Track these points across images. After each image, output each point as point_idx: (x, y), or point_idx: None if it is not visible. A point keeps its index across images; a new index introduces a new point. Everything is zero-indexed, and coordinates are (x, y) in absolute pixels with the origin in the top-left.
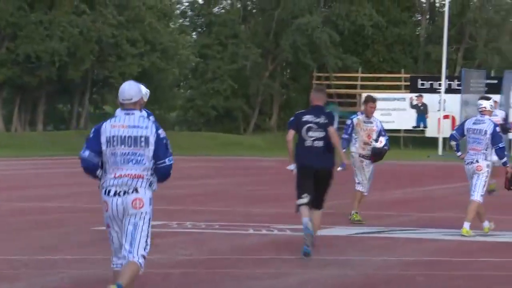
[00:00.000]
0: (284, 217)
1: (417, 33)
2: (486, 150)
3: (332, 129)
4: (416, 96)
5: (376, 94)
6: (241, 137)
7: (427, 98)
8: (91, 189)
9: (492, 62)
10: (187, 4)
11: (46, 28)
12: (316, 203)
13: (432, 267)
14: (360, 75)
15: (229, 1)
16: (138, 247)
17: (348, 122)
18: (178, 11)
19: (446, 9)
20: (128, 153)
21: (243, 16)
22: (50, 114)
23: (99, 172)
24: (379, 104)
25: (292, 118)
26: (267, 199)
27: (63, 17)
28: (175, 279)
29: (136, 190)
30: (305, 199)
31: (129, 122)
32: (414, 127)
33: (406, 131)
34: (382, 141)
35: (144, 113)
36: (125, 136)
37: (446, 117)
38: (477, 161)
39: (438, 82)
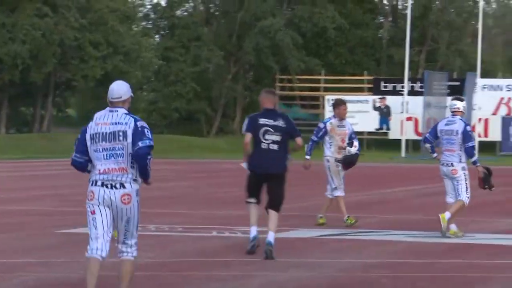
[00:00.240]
0: (247, 219)
1: (380, 35)
2: (460, 150)
3: (299, 140)
4: (379, 98)
5: (338, 96)
6: (204, 140)
7: (390, 100)
8: (53, 192)
9: (454, 64)
10: (150, 6)
11: (9, 31)
12: (273, 205)
13: (396, 269)
14: (323, 77)
15: (192, 4)
16: (131, 236)
17: (321, 125)
18: (141, 14)
19: (408, 11)
20: (109, 147)
21: (206, 19)
22: (13, 117)
23: (90, 167)
24: None
25: (247, 121)
26: (230, 201)
27: (25, 20)
28: (139, 281)
29: (123, 185)
30: (252, 201)
31: (112, 119)
32: (377, 129)
33: (369, 133)
34: (356, 145)
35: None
36: (106, 133)
37: (409, 119)
38: (452, 164)
39: (401, 84)
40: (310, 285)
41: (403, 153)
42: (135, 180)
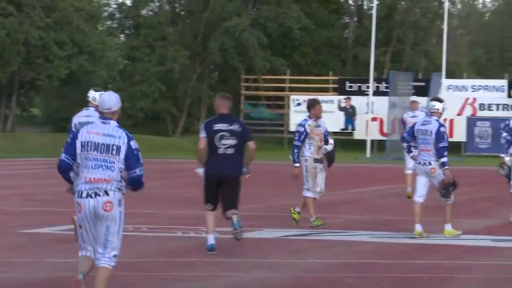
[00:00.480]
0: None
1: (345, 35)
2: (436, 150)
3: (252, 144)
4: (344, 99)
5: (304, 97)
6: (169, 140)
7: (355, 100)
8: (17, 192)
9: (420, 64)
10: (115, 6)
11: None
12: (230, 205)
13: (361, 269)
14: (288, 77)
15: (157, 3)
16: (111, 248)
17: (301, 129)
18: (106, 13)
19: (373, 11)
20: (100, 159)
21: (171, 19)
22: None
23: (72, 175)
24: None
25: (202, 127)
26: (195, 201)
27: None
28: None
29: (106, 193)
30: (209, 207)
31: (105, 131)
32: (343, 129)
33: (335, 133)
34: (331, 143)
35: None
36: (99, 143)
37: (374, 119)
38: (430, 163)
39: (366, 85)
40: (274, 285)
41: (368, 154)
42: (119, 189)
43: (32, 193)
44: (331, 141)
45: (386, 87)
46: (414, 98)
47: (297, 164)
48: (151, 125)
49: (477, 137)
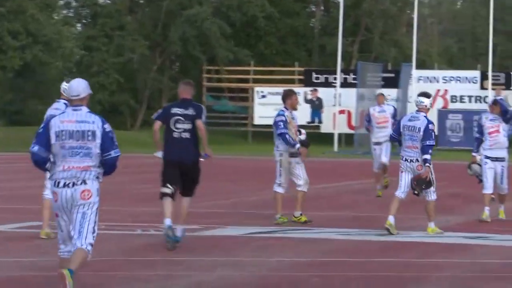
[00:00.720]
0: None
1: (311, 24)
2: None
3: (200, 122)
4: (311, 90)
5: (268, 89)
6: (128, 133)
7: (322, 92)
8: None
9: (389, 55)
10: None
11: None
12: (186, 192)
13: (328, 268)
14: (252, 68)
15: None
16: (86, 235)
17: (282, 118)
18: (61, 2)
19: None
20: (76, 146)
21: (130, 7)
22: None
23: (48, 165)
24: (272, 99)
25: (160, 110)
26: (155, 197)
27: None
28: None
29: (84, 181)
30: (168, 189)
31: (77, 118)
32: (309, 122)
33: (301, 126)
34: (304, 132)
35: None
36: (73, 131)
37: (341, 112)
38: (417, 160)
39: (333, 76)
40: (239, 285)
41: (335, 148)
42: (97, 178)
43: None
44: (303, 131)
45: (354, 79)
46: (380, 91)
47: (298, 145)
48: (109, 118)
49: (449, 130)
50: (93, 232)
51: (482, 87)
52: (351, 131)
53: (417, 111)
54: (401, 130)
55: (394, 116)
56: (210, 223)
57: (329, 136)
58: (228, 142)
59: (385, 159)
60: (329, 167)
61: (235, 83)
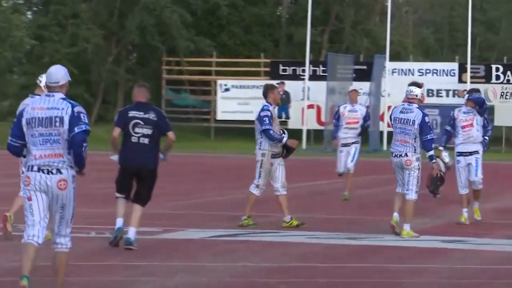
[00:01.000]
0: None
1: (278, 13)
2: (415, 141)
3: (172, 136)
4: (277, 84)
5: (232, 81)
6: None
7: (290, 85)
8: None
9: (361, 45)
10: None
11: None
12: (139, 199)
13: (296, 273)
14: (214, 59)
15: None
16: (66, 226)
17: (268, 113)
18: None
19: None
20: (45, 133)
21: None
22: None
23: (25, 151)
24: (236, 93)
25: (117, 115)
26: (110, 198)
27: None
28: None
29: (59, 171)
30: (121, 197)
31: (48, 104)
32: None
33: None
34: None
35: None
36: (42, 118)
37: (310, 106)
38: (406, 155)
39: (302, 68)
40: None
41: (304, 145)
42: (71, 167)
43: None
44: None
45: (324, 71)
46: (354, 86)
47: (285, 137)
48: None
49: None
50: (71, 221)
51: (461, 81)
52: (321, 127)
53: (408, 102)
54: (391, 122)
55: (365, 119)
56: (170, 225)
57: (297, 132)
58: (189, 139)
59: (351, 164)
60: (297, 165)
61: (196, 76)
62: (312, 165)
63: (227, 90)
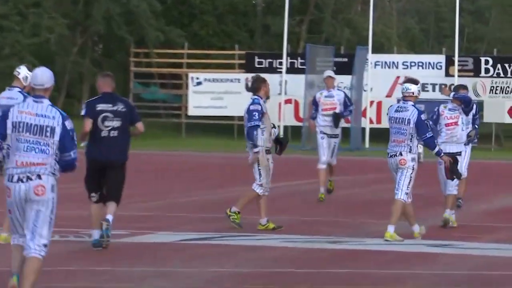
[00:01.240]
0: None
1: (254, 1)
2: (410, 141)
3: (141, 125)
4: (253, 77)
5: (204, 75)
6: None
7: (266, 79)
8: None
9: (342, 36)
10: None
11: None
12: (112, 195)
13: (272, 279)
14: (186, 51)
15: None
16: (39, 235)
17: (258, 108)
18: None
19: None
20: (33, 141)
21: None
22: None
23: (0, 155)
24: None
25: (84, 108)
26: (76, 199)
27: None
28: None
29: (39, 176)
30: (94, 198)
31: (37, 110)
32: None
33: (241, 118)
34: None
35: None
36: (31, 124)
37: (288, 101)
38: (400, 154)
39: (279, 60)
40: None
41: None
42: (53, 174)
43: None
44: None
45: (302, 63)
46: (329, 72)
47: (258, 149)
48: None
49: None
50: (49, 232)
51: (448, 74)
52: (299, 124)
53: (404, 100)
54: (387, 122)
55: (345, 104)
56: (139, 228)
57: None
58: (158, 136)
59: (331, 159)
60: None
61: (166, 68)
62: (289, 164)
63: (199, 83)
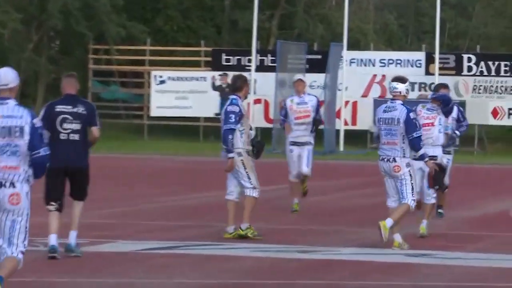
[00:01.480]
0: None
1: None
2: (403, 143)
3: (96, 130)
4: (220, 75)
5: (168, 73)
6: None
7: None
8: None
9: (315, 32)
10: None
11: None
12: (77, 195)
13: None
14: (148, 48)
15: None
16: (16, 244)
17: (237, 109)
18: None
19: None
20: (3, 144)
21: None
22: None
23: None
24: (172, 85)
25: (43, 110)
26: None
27: None
28: None
29: (13, 184)
30: (52, 206)
31: (3, 112)
32: (217, 114)
33: (207, 119)
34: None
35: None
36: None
37: (257, 101)
38: (394, 160)
39: (248, 58)
40: None
41: None
42: (27, 181)
43: None
44: (253, 127)
45: (273, 61)
46: (299, 76)
47: (232, 154)
48: None
49: None
50: (24, 240)
51: (428, 72)
52: (269, 125)
53: (392, 99)
54: (376, 123)
55: (317, 110)
56: (98, 236)
57: None
58: (118, 138)
59: (305, 168)
60: None
61: (127, 66)
62: (258, 168)
63: (162, 82)
